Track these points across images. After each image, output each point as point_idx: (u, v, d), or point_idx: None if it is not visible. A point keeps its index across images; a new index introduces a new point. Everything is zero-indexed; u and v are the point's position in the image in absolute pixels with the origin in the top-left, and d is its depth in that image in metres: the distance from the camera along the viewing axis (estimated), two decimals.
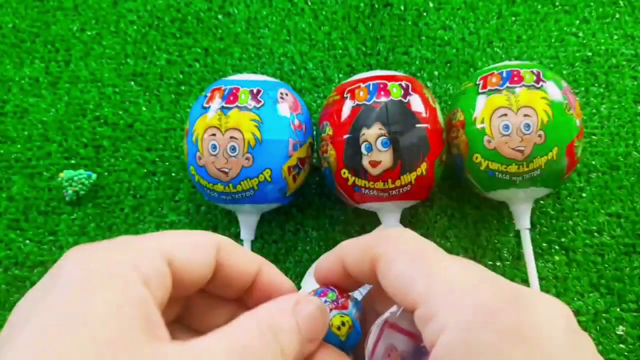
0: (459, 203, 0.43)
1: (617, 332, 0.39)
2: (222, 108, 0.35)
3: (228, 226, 0.43)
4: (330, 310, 0.22)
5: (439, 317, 0.17)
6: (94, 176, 0.43)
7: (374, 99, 0.35)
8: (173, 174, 0.44)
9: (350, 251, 0.22)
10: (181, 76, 0.47)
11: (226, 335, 0.17)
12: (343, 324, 0.26)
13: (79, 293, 0.15)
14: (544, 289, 0.40)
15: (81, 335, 0.15)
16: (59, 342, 0.14)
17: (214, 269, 0.20)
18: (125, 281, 0.16)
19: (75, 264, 0.16)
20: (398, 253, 0.20)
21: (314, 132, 0.40)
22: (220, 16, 0.49)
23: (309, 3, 0.49)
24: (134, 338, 0.15)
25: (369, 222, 0.42)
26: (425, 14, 0.48)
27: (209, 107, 0.36)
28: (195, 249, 0.19)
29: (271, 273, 0.22)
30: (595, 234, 0.41)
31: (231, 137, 0.34)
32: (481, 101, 0.36)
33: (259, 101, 0.35)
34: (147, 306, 0.16)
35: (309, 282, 0.39)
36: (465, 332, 0.16)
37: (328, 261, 0.23)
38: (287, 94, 0.37)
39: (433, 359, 0.17)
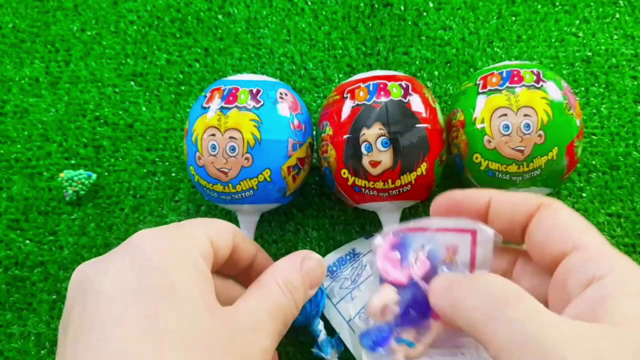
0: None
1: None
2: (222, 108, 0.35)
3: None
4: None
5: (604, 262, 0.19)
6: (94, 176, 0.43)
7: (374, 99, 0.35)
8: (173, 174, 0.44)
9: (503, 194, 0.23)
10: (181, 76, 0.47)
11: (259, 295, 0.23)
12: None
13: (164, 269, 0.19)
14: None
15: (176, 304, 0.19)
16: (160, 311, 0.18)
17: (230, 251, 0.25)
18: (195, 259, 0.21)
19: (152, 245, 0.20)
20: (565, 207, 0.22)
21: (314, 132, 0.40)
22: (220, 16, 0.49)
23: (309, 3, 0.49)
24: (213, 304, 0.20)
25: (369, 222, 0.42)
26: (425, 14, 0.48)
27: (209, 107, 0.36)
28: (224, 234, 0.24)
29: (264, 257, 0.29)
30: None
31: (230, 137, 0.34)
32: (481, 101, 0.36)
33: (258, 101, 0.35)
34: (208, 277, 0.21)
35: None
36: (626, 279, 0.18)
37: (474, 191, 0.24)
38: (286, 94, 0.37)
39: (592, 293, 0.18)
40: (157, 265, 0.19)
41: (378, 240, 0.25)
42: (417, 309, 0.23)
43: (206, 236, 0.23)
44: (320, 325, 0.35)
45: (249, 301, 0.22)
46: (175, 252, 0.20)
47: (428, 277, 0.23)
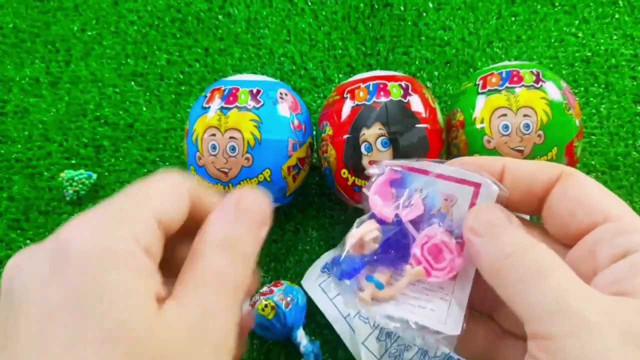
0: None
1: None
2: (222, 108, 0.35)
3: None
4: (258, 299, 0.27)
5: (638, 235, 0.18)
6: (95, 176, 0.43)
7: (374, 99, 0.35)
8: None
9: (519, 162, 0.22)
10: (181, 76, 0.47)
11: (195, 278, 0.18)
12: (266, 306, 0.34)
13: (91, 273, 0.16)
14: None
15: (97, 318, 0.15)
16: (74, 325, 0.15)
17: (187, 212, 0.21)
18: (133, 255, 0.17)
19: (81, 243, 0.17)
20: (589, 177, 0.21)
21: (314, 132, 0.40)
22: (220, 16, 0.49)
23: (309, 3, 0.49)
24: (148, 312, 0.16)
25: None
26: (425, 14, 0.48)
27: (209, 107, 0.36)
28: (177, 203, 0.20)
29: (207, 199, 0.22)
30: None
31: (231, 137, 0.35)
32: (481, 101, 0.36)
33: (258, 101, 0.36)
34: (150, 274, 0.17)
35: (313, 273, 0.39)
36: None
37: (487, 159, 0.23)
38: (286, 94, 0.37)
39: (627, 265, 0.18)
40: (83, 270, 0.16)
41: (375, 169, 0.23)
42: (397, 250, 0.22)
43: (152, 218, 0.18)
44: (300, 336, 0.36)
45: (185, 295, 0.18)
46: (107, 251, 0.17)
47: (417, 222, 0.22)
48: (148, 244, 0.18)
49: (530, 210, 0.22)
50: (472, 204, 0.22)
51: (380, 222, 0.22)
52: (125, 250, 0.17)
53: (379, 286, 0.21)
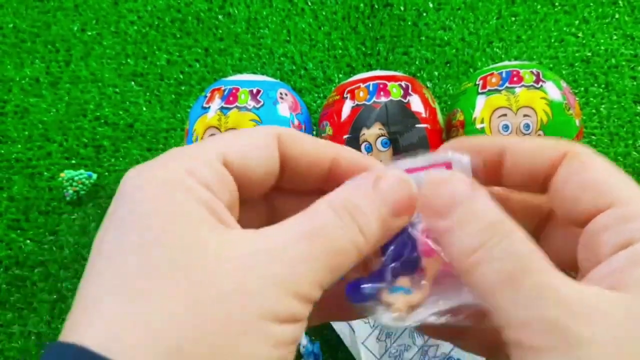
0: None
1: None
2: (222, 108, 0.35)
3: None
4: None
5: None
6: (95, 176, 0.43)
7: (374, 99, 0.35)
8: None
9: (520, 141, 0.20)
10: (181, 76, 0.47)
11: (298, 219, 0.16)
12: None
13: (137, 198, 0.16)
14: None
15: (137, 230, 0.15)
16: (131, 264, 0.14)
17: (279, 163, 0.19)
18: (183, 187, 0.16)
19: (133, 186, 0.16)
20: (596, 155, 0.18)
21: (314, 132, 0.40)
22: (220, 16, 0.49)
23: (309, 3, 0.49)
24: (196, 229, 0.15)
25: None
26: (425, 14, 0.48)
27: (209, 107, 0.36)
28: (252, 144, 0.18)
29: (351, 157, 0.20)
30: None
31: None
32: (481, 101, 0.36)
33: (258, 101, 0.36)
34: (209, 203, 0.16)
35: None
36: None
37: (486, 138, 0.21)
38: (286, 94, 0.37)
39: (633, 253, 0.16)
40: (129, 198, 0.16)
41: None
42: (403, 253, 0.20)
43: (214, 156, 0.17)
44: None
45: (282, 225, 0.16)
46: (154, 178, 0.16)
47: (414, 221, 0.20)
48: (207, 178, 0.16)
49: (536, 191, 0.20)
50: None
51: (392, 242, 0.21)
52: (178, 177, 0.16)
53: (408, 292, 0.20)
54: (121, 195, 0.16)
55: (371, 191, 0.17)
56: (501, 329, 0.16)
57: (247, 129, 0.19)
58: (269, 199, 0.21)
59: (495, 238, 0.16)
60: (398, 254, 0.20)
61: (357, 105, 0.35)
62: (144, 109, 0.46)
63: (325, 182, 0.20)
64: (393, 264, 0.20)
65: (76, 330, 0.14)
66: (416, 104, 0.36)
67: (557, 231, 0.21)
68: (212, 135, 0.35)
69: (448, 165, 0.20)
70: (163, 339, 0.13)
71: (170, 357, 0.13)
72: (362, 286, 0.19)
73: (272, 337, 0.15)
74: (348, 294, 0.19)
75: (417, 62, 0.47)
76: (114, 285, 0.14)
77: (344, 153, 0.20)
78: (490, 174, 0.20)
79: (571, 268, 0.19)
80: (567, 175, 0.18)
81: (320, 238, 0.16)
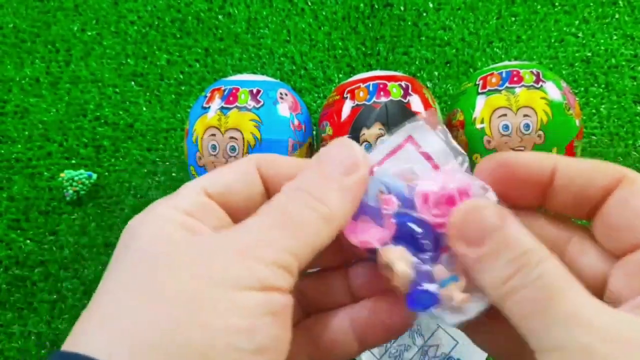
0: None
1: None
2: (222, 108, 0.35)
3: None
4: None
5: None
6: (95, 176, 0.43)
7: (374, 99, 0.35)
8: (173, 174, 0.44)
9: (573, 161, 0.19)
10: (181, 76, 0.47)
11: (262, 207, 0.18)
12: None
13: (131, 231, 0.18)
14: None
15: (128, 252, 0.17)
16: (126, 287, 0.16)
17: (262, 185, 0.20)
18: (165, 217, 0.18)
19: (132, 224, 0.18)
20: None
21: (314, 132, 0.40)
22: (220, 16, 0.49)
23: (309, 3, 0.49)
24: (170, 239, 0.17)
25: None
26: (425, 14, 0.48)
27: (209, 107, 0.36)
28: (230, 173, 0.20)
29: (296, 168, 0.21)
30: None
31: (231, 138, 0.35)
32: (481, 101, 0.36)
33: (258, 101, 0.36)
34: (187, 224, 0.17)
35: None
36: None
37: (534, 155, 0.19)
38: (286, 94, 0.37)
39: None
40: (126, 232, 0.18)
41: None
42: (418, 244, 0.19)
43: (196, 190, 0.19)
44: None
45: (249, 219, 0.17)
46: (145, 213, 0.18)
47: (408, 210, 0.20)
48: (188, 208, 0.18)
49: (580, 215, 0.19)
50: (423, 154, 0.20)
51: (400, 239, 0.20)
52: (160, 211, 0.18)
53: (455, 279, 0.19)
54: (123, 234, 0.18)
55: (315, 166, 0.19)
56: (534, 352, 0.16)
57: (232, 163, 0.21)
58: None
59: (527, 267, 0.16)
60: (414, 246, 0.19)
61: (357, 105, 0.35)
62: (144, 109, 0.46)
63: None
64: (421, 260, 0.19)
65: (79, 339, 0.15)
66: (416, 104, 0.36)
67: (587, 256, 0.20)
68: (212, 135, 0.35)
69: (410, 139, 0.20)
70: (136, 337, 0.15)
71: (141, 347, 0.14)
72: (419, 290, 0.18)
73: (235, 305, 0.15)
74: (411, 306, 0.19)
75: (417, 62, 0.47)
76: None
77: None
78: (534, 194, 0.19)
79: (596, 286, 0.18)
80: (623, 200, 0.18)
81: (276, 212, 0.17)
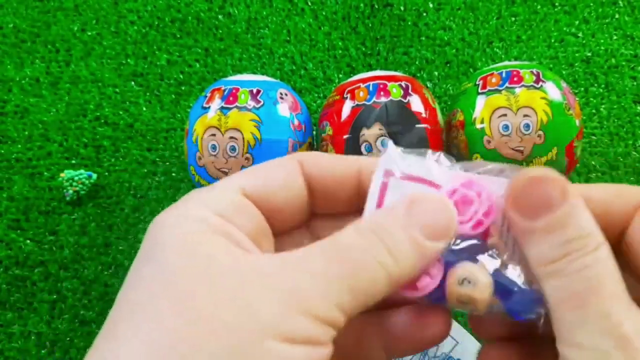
0: None
1: None
2: (222, 108, 0.35)
3: None
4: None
5: None
6: (95, 176, 0.43)
7: (374, 99, 0.35)
8: (173, 174, 0.44)
9: (595, 186, 0.18)
10: (181, 76, 0.47)
11: (320, 241, 0.16)
12: None
13: (155, 234, 0.16)
14: None
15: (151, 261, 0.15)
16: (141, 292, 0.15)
17: (306, 187, 0.18)
18: (195, 217, 0.16)
19: (158, 222, 0.16)
20: None
21: (314, 132, 0.40)
22: (220, 16, 0.49)
23: (309, 3, 0.49)
24: (205, 251, 0.15)
25: None
26: (425, 14, 0.48)
27: (209, 107, 0.36)
28: (271, 172, 0.18)
29: (373, 165, 0.19)
30: None
31: (231, 137, 0.35)
32: (481, 101, 0.36)
33: (258, 101, 0.36)
34: (220, 228, 0.16)
35: None
36: None
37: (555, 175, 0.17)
38: (286, 94, 0.37)
39: None
40: (150, 233, 0.16)
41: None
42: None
43: (230, 188, 0.17)
44: None
45: (308, 248, 0.15)
46: (170, 215, 0.16)
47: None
48: (223, 208, 0.16)
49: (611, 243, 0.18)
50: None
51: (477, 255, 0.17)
52: (193, 211, 0.16)
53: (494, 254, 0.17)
54: (149, 232, 0.16)
55: (403, 213, 0.16)
56: (556, 338, 0.15)
57: (270, 160, 0.19)
58: (313, 228, 0.20)
59: (575, 254, 0.15)
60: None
61: (357, 105, 0.35)
62: (144, 109, 0.46)
63: (360, 200, 0.19)
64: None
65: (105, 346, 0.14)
66: (416, 104, 0.36)
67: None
68: (212, 135, 0.35)
69: (388, 173, 0.18)
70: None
71: None
72: (514, 291, 0.17)
73: (278, 356, 0.14)
74: (516, 315, 0.17)
75: (417, 62, 0.47)
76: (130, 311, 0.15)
77: (366, 162, 0.19)
78: None
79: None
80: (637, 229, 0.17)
81: (339, 256, 0.15)
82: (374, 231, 0.16)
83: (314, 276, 0.15)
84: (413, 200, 0.17)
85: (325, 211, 0.20)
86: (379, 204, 0.18)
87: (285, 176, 0.18)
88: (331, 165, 0.19)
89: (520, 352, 0.19)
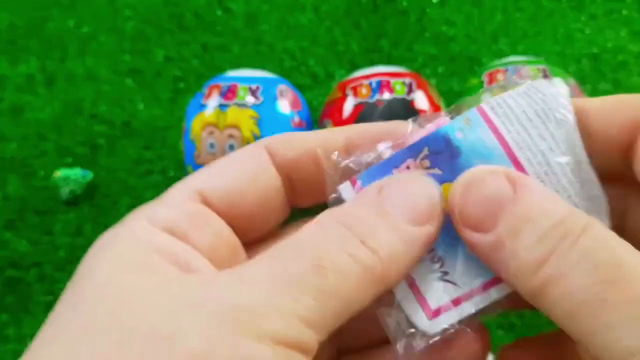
0: None
1: None
2: (220, 105, 0.35)
3: None
4: None
5: None
6: (90, 175, 0.43)
7: (377, 96, 0.35)
8: (171, 173, 0.44)
9: (592, 100, 0.15)
10: (179, 73, 0.47)
11: (279, 244, 0.13)
12: None
13: (91, 256, 0.14)
14: None
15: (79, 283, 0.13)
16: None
17: (280, 177, 0.15)
18: (138, 238, 0.13)
19: (91, 248, 0.14)
20: None
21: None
22: (219, 12, 0.49)
23: None
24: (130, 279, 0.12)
25: None
26: (428, 9, 0.48)
27: (207, 104, 0.35)
28: (235, 167, 0.15)
29: (364, 131, 0.15)
30: None
31: (229, 135, 0.34)
32: None
33: (257, 98, 0.35)
34: (165, 248, 0.13)
35: None
36: None
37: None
38: (286, 91, 0.37)
39: None
40: (87, 256, 0.14)
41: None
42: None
43: (186, 193, 0.14)
44: None
45: (256, 262, 0.13)
46: (110, 233, 0.14)
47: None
48: (170, 223, 0.13)
49: (612, 163, 0.14)
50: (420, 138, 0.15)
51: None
52: (133, 228, 0.13)
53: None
54: (84, 258, 0.14)
55: (374, 198, 0.13)
56: (581, 346, 0.12)
57: (232, 153, 0.16)
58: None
59: (567, 240, 0.12)
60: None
61: (359, 102, 0.35)
62: (141, 106, 0.46)
63: None
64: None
65: None
66: (420, 101, 0.35)
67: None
68: (210, 133, 0.34)
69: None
70: None
71: None
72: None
73: None
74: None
75: (420, 58, 0.46)
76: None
77: (354, 132, 0.15)
78: None
79: None
80: None
81: (295, 255, 0.12)
82: (341, 221, 0.13)
83: (267, 286, 0.11)
84: (384, 184, 0.14)
85: (312, 203, 0.17)
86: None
87: (252, 170, 0.15)
88: (308, 143, 0.15)
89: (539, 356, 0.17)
